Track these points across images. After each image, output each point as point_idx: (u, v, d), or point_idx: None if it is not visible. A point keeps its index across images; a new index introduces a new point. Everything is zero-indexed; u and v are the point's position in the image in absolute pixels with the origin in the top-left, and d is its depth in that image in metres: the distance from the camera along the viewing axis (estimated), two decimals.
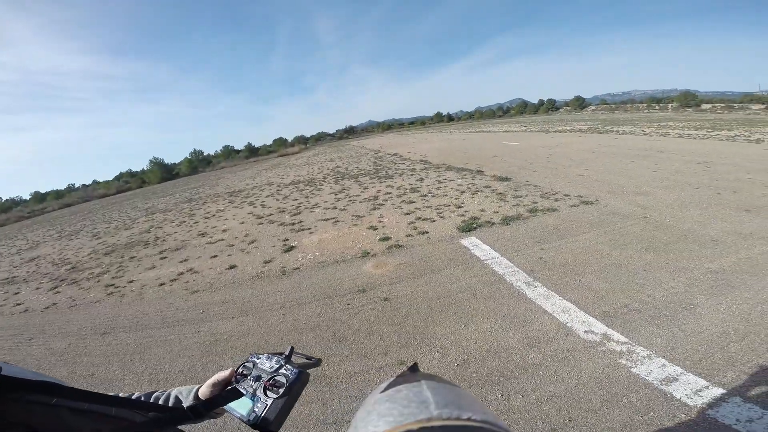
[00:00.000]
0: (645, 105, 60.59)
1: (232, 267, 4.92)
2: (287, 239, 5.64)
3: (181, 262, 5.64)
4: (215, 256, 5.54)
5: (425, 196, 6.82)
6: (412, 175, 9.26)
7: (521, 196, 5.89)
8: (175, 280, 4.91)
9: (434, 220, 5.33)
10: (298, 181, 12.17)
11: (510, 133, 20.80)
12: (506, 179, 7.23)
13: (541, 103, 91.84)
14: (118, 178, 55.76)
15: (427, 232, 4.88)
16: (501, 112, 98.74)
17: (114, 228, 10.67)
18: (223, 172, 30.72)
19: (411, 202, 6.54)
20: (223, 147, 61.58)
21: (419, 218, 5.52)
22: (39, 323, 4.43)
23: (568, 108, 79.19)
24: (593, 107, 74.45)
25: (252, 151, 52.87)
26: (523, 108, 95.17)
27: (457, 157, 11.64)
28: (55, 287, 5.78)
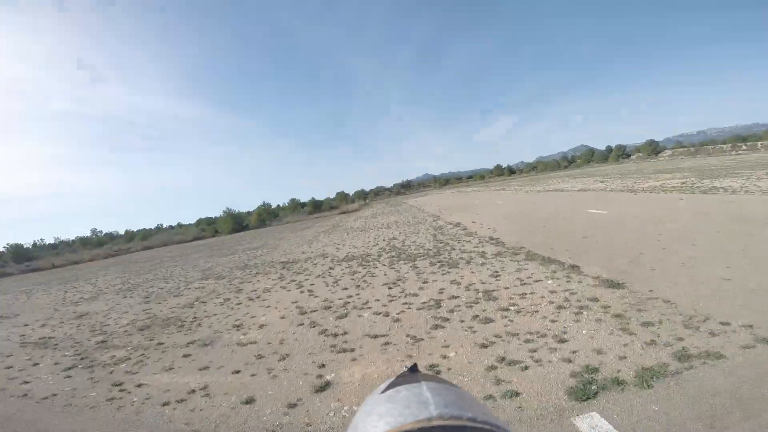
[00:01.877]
0: (729, 145, 53.15)
1: (248, 401, 3.76)
2: (323, 365, 4.37)
3: (201, 370, 4.72)
4: (237, 372, 4.49)
5: (506, 310, 5.14)
6: (482, 264, 7.63)
7: (653, 324, 4.05)
8: (182, 401, 3.97)
9: (526, 367, 3.64)
10: (353, 256, 11.17)
11: (588, 192, 18.48)
12: (618, 285, 5.35)
13: (610, 150, 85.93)
14: (197, 223, 60.93)
15: (517, 394, 3.25)
16: (566, 162, 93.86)
17: (167, 291, 10.57)
18: (287, 229, 31.58)
19: (487, 320, 4.91)
20: (290, 200, 65.41)
21: (502, 359, 3.86)
22: (23, 419, 3.77)
23: (640, 154, 72.87)
24: (669, 151, 67.64)
25: (315, 207, 55.00)
26: (589, 156, 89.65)
27: (535, 233, 9.89)
28: (72, 366, 5.43)
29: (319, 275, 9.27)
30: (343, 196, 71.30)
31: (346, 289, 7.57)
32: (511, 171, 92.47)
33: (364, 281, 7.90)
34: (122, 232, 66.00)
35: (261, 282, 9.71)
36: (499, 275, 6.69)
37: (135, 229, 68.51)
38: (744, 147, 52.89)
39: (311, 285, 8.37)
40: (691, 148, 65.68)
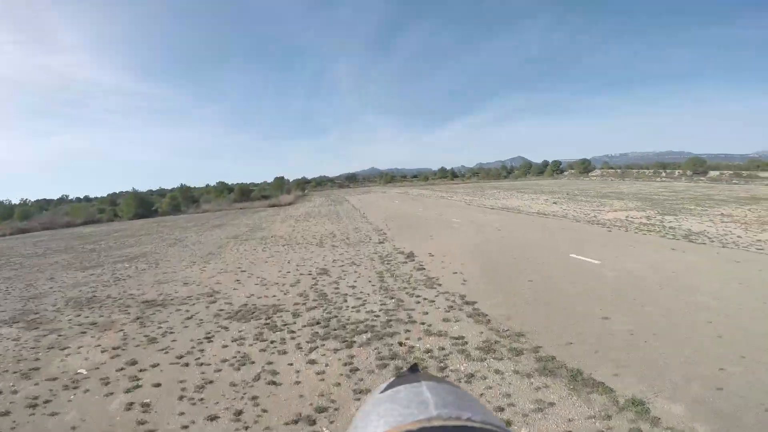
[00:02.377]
0: (651, 171, 58.83)
1: None
2: None
3: None
4: None
5: None
6: (470, 378, 4.39)
7: None
8: None
9: None
10: (254, 308, 7.17)
11: (549, 218, 16.29)
12: None
13: (546, 164, 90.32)
14: (100, 201, 50.77)
15: None
16: (505, 171, 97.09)
17: None
18: (197, 223, 26.00)
19: None
20: (217, 182, 57.64)
21: None
22: None
23: (573, 171, 77.36)
24: (598, 171, 72.67)
25: (243, 194, 48.61)
26: (527, 168, 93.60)
27: (524, 295, 6.87)
28: None
29: (179, 357, 5.33)
30: (279, 184, 65.20)
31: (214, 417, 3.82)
32: (454, 175, 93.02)
33: (253, 397, 4.20)
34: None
35: (71, 361, 5.50)
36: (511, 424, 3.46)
37: (33, 199, 55.89)
38: (663, 173, 58.40)
39: (153, 386, 4.49)
40: (618, 170, 70.87)
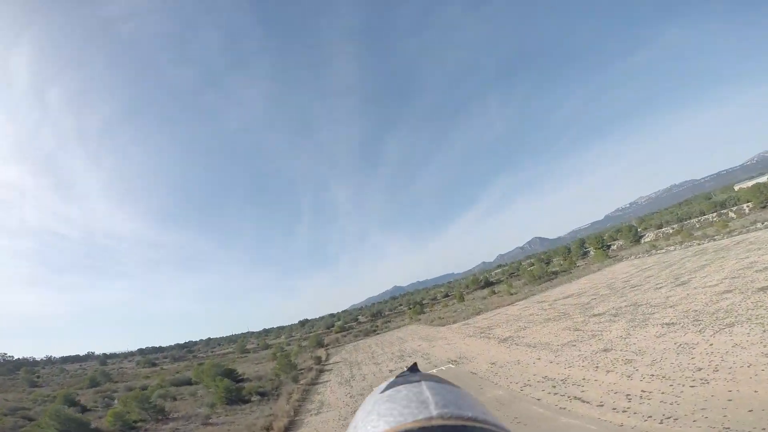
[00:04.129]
0: (707, 216, 47.67)
1: None
2: None
3: None
4: None
5: None
6: None
7: None
8: None
9: None
10: None
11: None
12: None
13: (568, 249, 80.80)
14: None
15: None
16: (542, 264, 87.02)
17: None
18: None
19: None
20: (241, 333, 49.34)
21: None
22: None
23: (620, 242, 67.18)
24: (651, 234, 62.60)
25: (230, 391, 38.50)
26: (550, 256, 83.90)
27: None
28: None
29: None
30: (283, 363, 55.10)
31: None
32: (488, 282, 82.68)
33: None
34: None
35: None
36: None
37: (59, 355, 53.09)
38: (732, 213, 48.29)
39: None
40: (669, 229, 61.14)
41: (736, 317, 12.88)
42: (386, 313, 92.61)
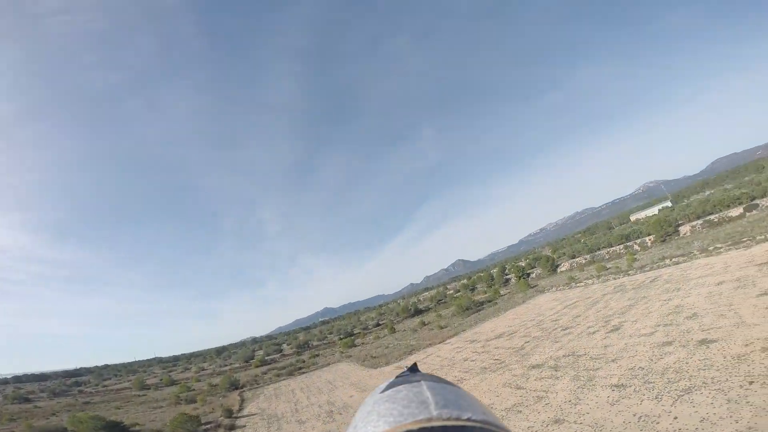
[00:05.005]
0: (620, 246, 50.17)
1: None
2: None
3: None
4: None
5: None
6: None
7: None
8: None
9: None
10: None
11: None
12: None
13: (490, 277, 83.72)
14: None
15: None
16: (468, 288, 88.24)
17: None
18: None
19: None
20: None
21: None
22: None
23: (538, 271, 70.74)
24: (566, 264, 66.78)
25: None
26: (475, 282, 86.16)
27: None
28: None
29: None
30: (223, 360, 46.68)
31: None
32: (417, 310, 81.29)
33: None
34: None
35: None
36: None
37: None
38: (636, 246, 53.02)
39: None
40: (582, 259, 65.66)
41: (690, 380, 11.48)
42: (314, 343, 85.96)
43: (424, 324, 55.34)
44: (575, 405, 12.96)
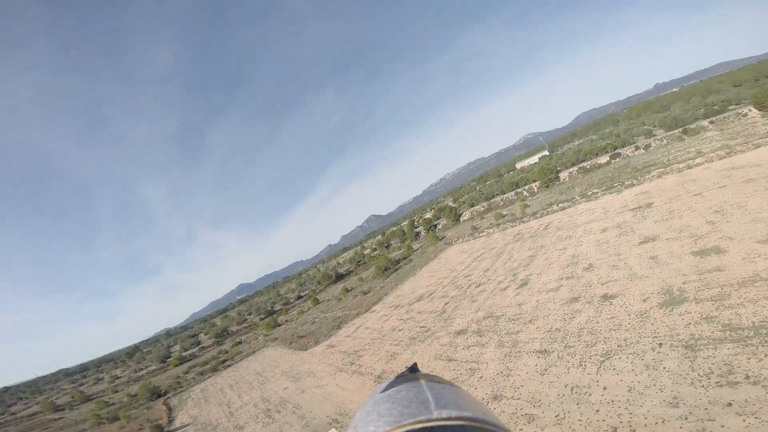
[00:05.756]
0: (502, 196, 57.65)
1: None
2: None
3: None
4: None
5: None
6: None
7: None
8: None
9: None
10: None
11: None
12: None
13: (399, 227, 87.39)
14: None
15: None
16: (384, 245, 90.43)
17: None
18: None
19: None
20: None
21: None
22: None
23: (444, 222, 75.63)
24: (468, 213, 72.56)
25: None
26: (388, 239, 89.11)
27: None
28: None
29: None
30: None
31: None
32: (338, 276, 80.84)
33: None
34: None
35: None
36: None
37: None
38: (525, 192, 59.60)
39: None
40: (480, 207, 71.42)
41: (605, 343, 12.30)
42: (234, 329, 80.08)
43: (347, 291, 55.01)
44: (508, 377, 13.18)
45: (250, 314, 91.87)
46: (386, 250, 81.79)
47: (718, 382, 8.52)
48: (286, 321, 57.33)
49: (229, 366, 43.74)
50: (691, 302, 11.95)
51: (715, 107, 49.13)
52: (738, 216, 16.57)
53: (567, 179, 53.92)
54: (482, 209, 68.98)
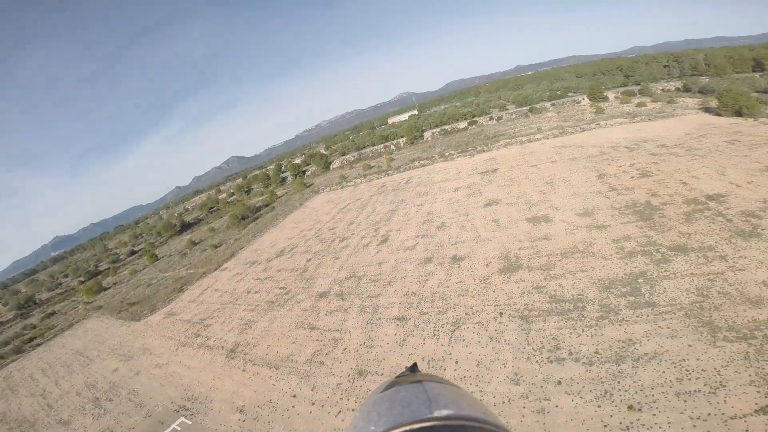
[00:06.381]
0: (372, 148, 60.36)
1: None
2: None
3: None
4: None
5: None
6: None
7: None
8: None
9: None
10: None
11: None
12: None
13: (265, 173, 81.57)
14: None
15: None
16: (243, 190, 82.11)
17: None
18: None
19: None
20: None
21: None
22: None
23: (314, 168, 72.96)
24: (338, 161, 71.59)
25: None
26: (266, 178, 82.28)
27: None
28: None
29: None
30: None
31: None
32: (185, 225, 70.08)
33: None
34: None
35: None
36: None
37: None
38: (392, 146, 61.51)
39: None
40: (351, 156, 70.94)
41: (455, 310, 12.62)
42: (44, 297, 61.53)
43: (194, 243, 47.66)
44: (370, 348, 12.51)
45: (66, 276, 73.12)
46: (246, 196, 74.84)
47: (548, 358, 9.17)
48: (115, 284, 47.01)
49: (39, 345, 33.70)
50: (524, 269, 13.02)
51: (558, 92, 57.53)
52: (563, 189, 19.09)
53: (430, 139, 56.98)
54: (352, 159, 68.42)
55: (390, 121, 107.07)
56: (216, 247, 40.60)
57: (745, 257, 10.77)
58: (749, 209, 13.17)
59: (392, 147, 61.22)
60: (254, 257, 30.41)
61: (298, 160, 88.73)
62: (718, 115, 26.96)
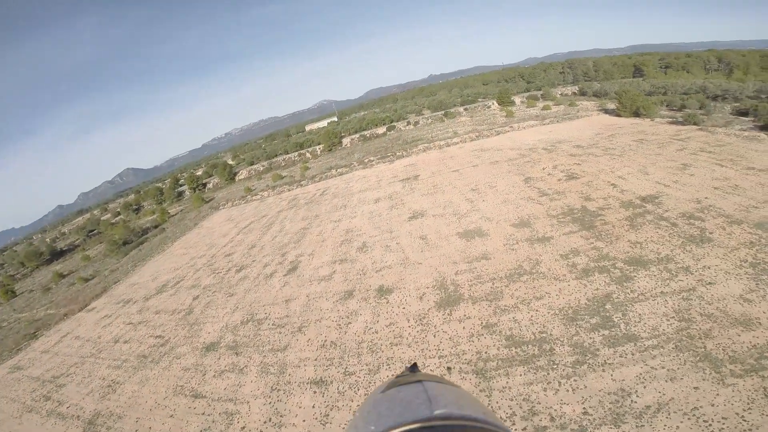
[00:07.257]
0: (285, 156, 55.77)
1: None
2: None
3: None
4: None
5: None
6: None
7: None
8: None
9: None
10: None
11: None
12: None
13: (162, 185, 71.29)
14: None
15: None
16: (132, 208, 69.45)
17: None
18: None
19: None
20: None
21: None
22: None
23: (216, 180, 64.65)
24: (245, 172, 64.41)
25: None
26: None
27: None
28: None
29: None
30: None
31: None
32: (54, 253, 56.28)
33: None
34: None
35: None
36: None
37: None
38: (308, 154, 56.66)
39: None
40: (260, 166, 64.18)
41: (388, 367, 9.25)
42: None
43: (61, 276, 37.31)
44: (279, 428, 8.43)
45: None
46: (135, 215, 63.51)
47: (525, 430, 6.25)
48: None
49: None
50: (467, 302, 10.26)
51: (469, 98, 58.72)
52: (491, 196, 17.16)
53: (349, 145, 53.90)
54: (262, 168, 62.09)
55: (308, 128, 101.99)
56: (86, 280, 31.96)
57: (709, 267, 9.36)
58: (687, 211, 12.27)
59: (308, 155, 56.78)
60: (130, 294, 23.76)
61: (199, 172, 78.61)
62: (618, 115, 28.45)
